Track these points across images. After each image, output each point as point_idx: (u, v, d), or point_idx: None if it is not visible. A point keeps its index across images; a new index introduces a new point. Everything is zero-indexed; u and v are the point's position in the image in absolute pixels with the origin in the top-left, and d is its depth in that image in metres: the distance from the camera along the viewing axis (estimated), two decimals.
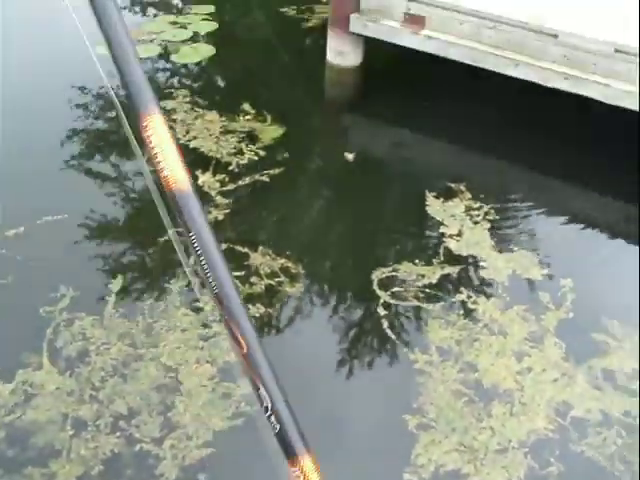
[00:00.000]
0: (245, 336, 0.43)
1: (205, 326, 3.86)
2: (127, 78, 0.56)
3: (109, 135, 5.57)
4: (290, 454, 0.38)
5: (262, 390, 0.43)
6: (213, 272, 0.43)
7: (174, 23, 7.12)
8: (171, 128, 5.50)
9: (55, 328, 3.83)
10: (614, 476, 3.23)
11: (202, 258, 0.45)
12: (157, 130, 0.44)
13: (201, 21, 7.14)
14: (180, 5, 7.73)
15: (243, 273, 4.19)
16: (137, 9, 7.69)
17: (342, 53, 6.27)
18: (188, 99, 5.90)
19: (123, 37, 0.54)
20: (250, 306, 3.98)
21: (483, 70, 5.51)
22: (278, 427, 0.42)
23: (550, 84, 5.27)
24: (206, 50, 6.64)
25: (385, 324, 3.92)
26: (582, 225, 4.90)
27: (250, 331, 0.43)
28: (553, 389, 3.60)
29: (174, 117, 5.62)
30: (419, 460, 3.25)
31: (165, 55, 6.60)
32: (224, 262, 0.41)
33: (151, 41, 6.78)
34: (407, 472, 3.20)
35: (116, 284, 4.12)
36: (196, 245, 0.46)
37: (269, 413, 0.42)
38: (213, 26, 7.06)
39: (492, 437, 3.36)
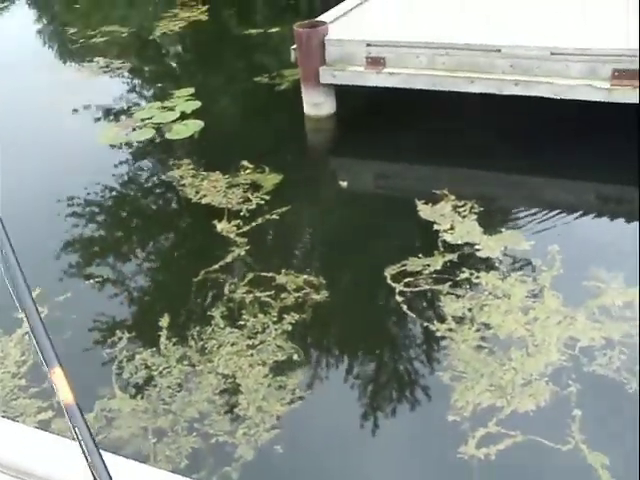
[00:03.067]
0: None
1: (251, 338, 4.39)
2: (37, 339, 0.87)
3: None
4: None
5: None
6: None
7: (162, 108, 7.88)
8: (181, 191, 6.17)
9: (119, 364, 4.34)
10: (622, 383, 3.76)
11: None
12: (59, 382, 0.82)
13: (185, 102, 7.90)
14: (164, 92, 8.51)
15: (273, 292, 4.75)
16: (130, 104, 8.46)
17: (317, 104, 7.01)
18: (191, 166, 6.58)
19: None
20: (285, 316, 4.52)
21: (443, 93, 6.27)
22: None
23: (505, 92, 6.02)
24: (195, 125, 7.37)
25: (404, 307, 4.49)
26: (557, 205, 5.55)
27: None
28: (559, 330, 4.16)
29: (183, 182, 6.29)
30: (458, 404, 3.76)
31: (160, 135, 7.31)
32: None
33: (145, 126, 7.50)
34: (450, 415, 3.70)
35: (164, 321, 4.66)
36: None
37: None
38: (197, 104, 7.81)
39: (516, 375, 3.89)
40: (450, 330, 4.26)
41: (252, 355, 4.27)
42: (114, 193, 6.49)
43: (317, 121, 7.07)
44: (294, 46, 6.90)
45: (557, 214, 5.38)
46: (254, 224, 5.58)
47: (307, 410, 3.89)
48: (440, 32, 6.47)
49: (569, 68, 5.76)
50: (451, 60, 6.20)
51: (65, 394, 0.83)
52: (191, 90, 8.20)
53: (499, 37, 6.13)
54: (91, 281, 5.14)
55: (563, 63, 5.77)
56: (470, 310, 4.38)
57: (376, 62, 6.47)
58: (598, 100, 5.67)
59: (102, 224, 6.02)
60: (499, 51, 5.99)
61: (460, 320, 4.32)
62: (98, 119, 7.99)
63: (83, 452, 0.85)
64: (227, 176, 6.33)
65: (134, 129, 7.44)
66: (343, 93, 6.96)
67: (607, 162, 5.74)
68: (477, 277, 4.68)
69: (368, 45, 6.50)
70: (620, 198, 5.73)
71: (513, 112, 6.32)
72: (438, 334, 4.25)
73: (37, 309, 1.12)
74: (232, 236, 5.43)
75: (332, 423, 3.86)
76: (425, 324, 4.35)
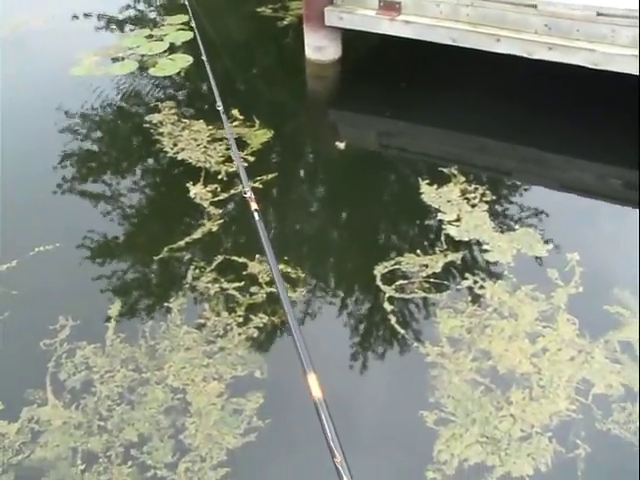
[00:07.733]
0: None
1: (209, 342, 3.76)
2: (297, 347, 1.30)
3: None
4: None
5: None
6: None
7: (150, 36, 7.03)
8: (157, 142, 5.43)
9: (57, 360, 3.74)
10: None
11: None
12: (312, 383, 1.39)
13: (176, 31, 7.05)
14: (156, 18, 7.66)
15: (243, 284, 4.09)
16: (114, 27, 7.62)
17: (320, 48, 6.16)
18: (173, 111, 5.82)
19: None
20: (252, 317, 3.88)
21: (462, 49, 5.42)
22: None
23: (535, 56, 5.17)
24: (183, 60, 6.55)
25: (393, 319, 3.82)
26: (581, 195, 4.81)
27: None
28: (571, 368, 3.49)
29: (160, 131, 5.55)
30: (441, 456, 3.14)
31: (143, 69, 6.50)
32: None
33: (128, 57, 6.68)
34: (430, 470, 3.09)
35: (115, 309, 4.03)
36: None
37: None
38: (188, 35, 6.96)
39: (514, 424, 3.25)
40: (443, 356, 3.60)
41: (208, 366, 3.64)
42: (75, 138, 5.73)
43: (319, 67, 6.25)
44: None
45: (582, 211, 4.65)
46: (232, 191, 4.87)
47: (264, 446, 3.28)
48: None
49: (616, 34, 4.88)
50: (476, 12, 5.32)
51: (316, 391, 1.26)
52: (185, 18, 7.31)
53: None
54: (40, 249, 4.48)
55: (610, 27, 4.89)
56: (469, 332, 3.71)
57: (390, 7, 5.59)
58: None
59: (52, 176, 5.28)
60: (535, 7, 5.09)
61: (456, 344, 3.66)
62: (76, 43, 7.13)
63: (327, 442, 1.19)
64: (211, 127, 5.58)
65: (115, 60, 6.61)
66: (351, 38, 6.10)
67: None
68: (481, 287, 3.98)
69: None
70: None
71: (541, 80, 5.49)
72: (428, 359, 3.59)
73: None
74: (206, 205, 4.73)
75: (292, 463, 3.25)
76: (415, 344, 3.68)
